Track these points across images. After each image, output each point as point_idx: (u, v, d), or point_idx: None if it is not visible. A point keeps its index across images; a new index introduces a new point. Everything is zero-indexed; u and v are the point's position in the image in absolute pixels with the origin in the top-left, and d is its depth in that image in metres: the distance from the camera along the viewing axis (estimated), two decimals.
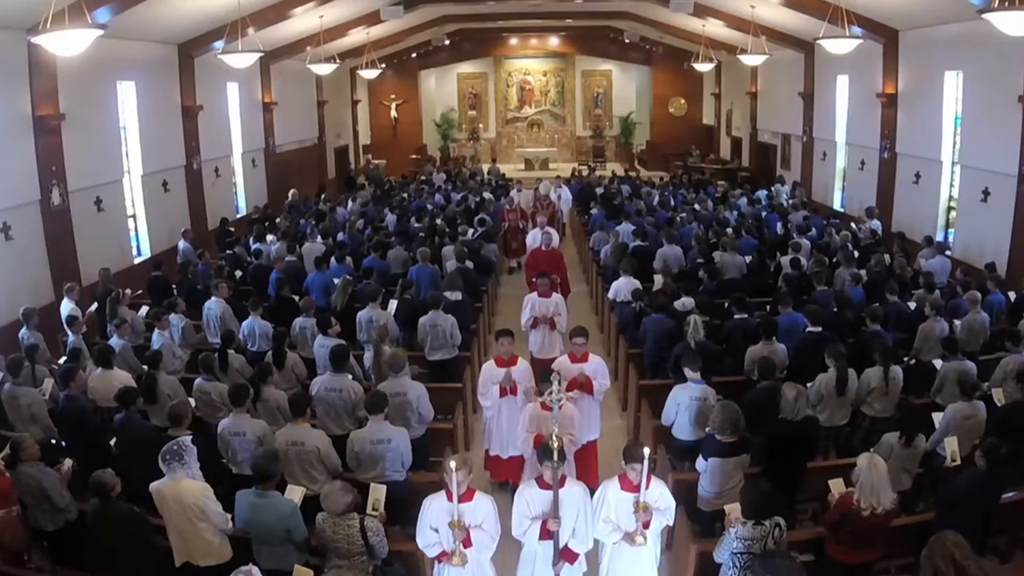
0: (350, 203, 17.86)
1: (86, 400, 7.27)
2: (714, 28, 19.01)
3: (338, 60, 18.20)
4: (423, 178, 22.67)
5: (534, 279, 10.22)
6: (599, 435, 7.50)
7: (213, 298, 9.61)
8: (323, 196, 18.90)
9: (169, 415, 6.32)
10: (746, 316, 8.77)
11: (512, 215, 16.27)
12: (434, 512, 4.96)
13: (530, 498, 5.11)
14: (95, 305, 10.13)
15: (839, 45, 12.89)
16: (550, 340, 9.05)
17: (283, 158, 20.84)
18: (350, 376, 7.40)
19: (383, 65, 22.45)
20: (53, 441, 6.99)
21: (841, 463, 6.51)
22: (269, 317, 9.28)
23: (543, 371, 6.40)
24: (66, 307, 9.53)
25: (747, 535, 4.85)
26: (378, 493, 5.70)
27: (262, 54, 14.13)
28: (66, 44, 8.20)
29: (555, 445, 4.84)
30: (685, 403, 6.84)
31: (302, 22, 16.41)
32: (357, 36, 19.82)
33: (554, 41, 28.77)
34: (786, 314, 8.68)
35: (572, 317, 11.59)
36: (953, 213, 13.48)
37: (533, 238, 13.33)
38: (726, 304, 9.56)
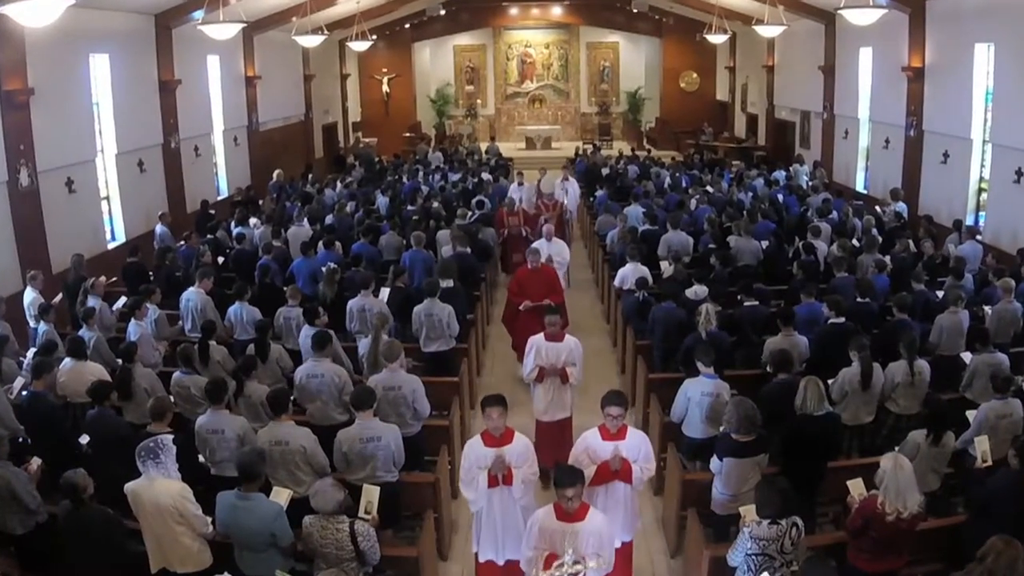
0: (339, 184, 17.78)
1: (53, 396, 7.23)
2: None
3: (326, 31, 18.06)
4: (417, 158, 22.58)
5: (520, 309, 9.49)
6: (634, 534, 6.15)
7: (192, 289, 9.52)
8: (310, 177, 18.80)
9: (151, 409, 6.26)
10: (756, 304, 8.73)
11: (513, 219, 13.88)
12: None
13: None
14: (60, 296, 10.06)
15: (862, 15, 12.80)
16: (559, 397, 7.61)
17: (267, 136, 20.76)
18: (338, 361, 7.35)
19: (374, 37, 22.30)
20: (21, 439, 6.93)
21: (864, 463, 6.47)
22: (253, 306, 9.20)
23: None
24: (29, 296, 9.47)
25: (762, 535, 4.84)
26: (371, 495, 5.66)
27: (245, 25, 14.02)
28: (35, 14, 8.10)
29: None
30: (696, 398, 6.81)
31: None
32: (346, 6, 19.67)
33: (557, 11, 28.54)
34: (806, 303, 8.61)
35: (574, 305, 11.53)
36: (984, 195, 13.40)
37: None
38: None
